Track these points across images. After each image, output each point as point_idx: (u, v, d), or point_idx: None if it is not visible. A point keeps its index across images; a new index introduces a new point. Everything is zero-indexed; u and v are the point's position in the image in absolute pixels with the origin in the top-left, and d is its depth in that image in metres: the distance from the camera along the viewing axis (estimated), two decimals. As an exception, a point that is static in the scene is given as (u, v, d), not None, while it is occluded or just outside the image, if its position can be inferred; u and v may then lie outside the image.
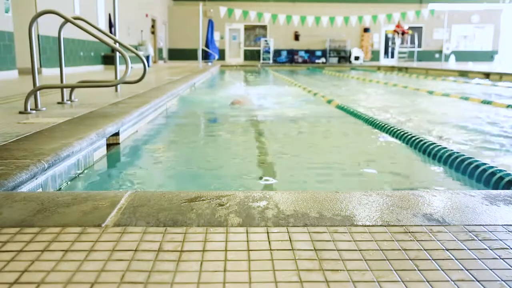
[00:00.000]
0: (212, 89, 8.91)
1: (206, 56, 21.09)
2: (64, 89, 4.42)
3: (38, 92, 3.76)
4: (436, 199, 1.52)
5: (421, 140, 3.25)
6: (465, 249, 1.12)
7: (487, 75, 12.75)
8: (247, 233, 1.22)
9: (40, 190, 2.01)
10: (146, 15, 19.51)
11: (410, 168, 3.08)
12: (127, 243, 1.14)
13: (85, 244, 1.13)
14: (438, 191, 1.63)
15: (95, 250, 1.10)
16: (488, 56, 25.83)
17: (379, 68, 20.02)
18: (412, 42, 24.83)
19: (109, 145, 3.15)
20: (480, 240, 1.18)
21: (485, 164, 2.56)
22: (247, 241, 1.16)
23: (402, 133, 3.62)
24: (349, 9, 23.85)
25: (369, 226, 1.27)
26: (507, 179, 2.30)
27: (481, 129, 4.35)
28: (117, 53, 5.75)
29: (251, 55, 25.33)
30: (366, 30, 25.36)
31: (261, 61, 24.23)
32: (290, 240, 1.17)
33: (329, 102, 6.49)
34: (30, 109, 3.63)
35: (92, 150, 2.74)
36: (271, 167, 2.91)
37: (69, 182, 2.38)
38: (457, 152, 2.86)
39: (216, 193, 1.56)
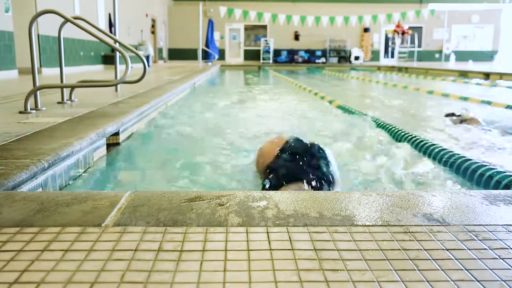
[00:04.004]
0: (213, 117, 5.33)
1: (206, 56, 21.11)
2: (64, 89, 4.42)
3: (38, 91, 3.76)
4: (436, 199, 1.51)
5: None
6: (465, 249, 1.12)
7: (487, 75, 12.76)
8: (247, 233, 1.21)
9: (40, 190, 2.01)
10: (146, 15, 19.51)
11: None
12: (127, 243, 1.14)
13: (85, 244, 1.13)
14: (438, 191, 1.63)
15: (95, 250, 1.10)
16: (488, 56, 25.83)
17: (379, 68, 20.02)
18: (412, 42, 24.83)
19: (109, 145, 3.15)
20: (480, 240, 1.18)
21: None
22: (247, 241, 1.16)
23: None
24: (349, 9, 23.85)
25: (369, 226, 1.27)
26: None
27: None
28: (117, 53, 5.75)
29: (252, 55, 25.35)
30: (366, 30, 25.36)
31: (261, 61, 24.22)
32: (290, 240, 1.16)
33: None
34: (30, 109, 3.63)
35: (92, 150, 2.74)
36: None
37: (69, 182, 2.38)
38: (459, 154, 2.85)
39: (216, 193, 1.56)
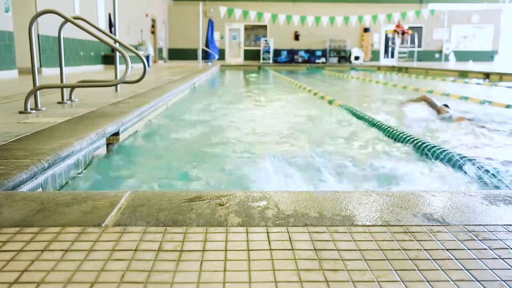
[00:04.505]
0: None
1: (206, 56, 21.11)
2: (64, 89, 4.42)
3: (38, 91, 3.76)
4: (436, 199, 1.51)
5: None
6: (465, 249, 1.12)
7: (487, 75, 12.76)
8: (247, 233, 1.22)
9: (40, 190, 2.01)
10: (146, 15, 19.51)
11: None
12: (127, 243, 1.14)
13: (85, 244, 1.13)
14: (438, 191, 1.63)
15: (95, 250, 1.10)
16: (488, 56, 25.82)
17: (379, 68, 20.01)
18: (412, 42, 24.82)
19: (109, 145, 3.15)
20: (480, 240, 1.18)
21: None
22: (247, 241, 1.16)
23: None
24: (349, 9, 23.85)
25: (369, 226, 1.27)
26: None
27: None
28: (117, 53, 5.75)
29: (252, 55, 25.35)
30: (366, 30, 25.35)
31: (261, 61, 24.22)
32: (290, 240, 1.16)
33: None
34: (30, 109, 3.63)
35: (92, 149, 2.74)
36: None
37: (69, 182, 2.38)
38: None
39: (216, 193, 1.56)
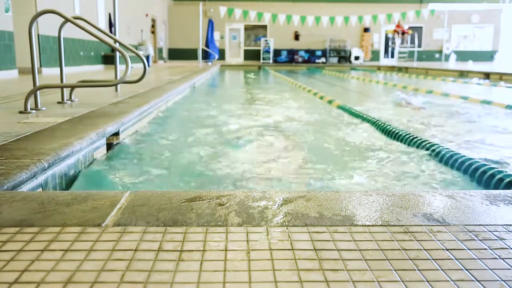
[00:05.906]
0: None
1: (206, 56, 21.12)
2: (64, 89, 4.42)
3: (38, 91, 3.76)
4: (436, 199, 1.51)
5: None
6: (465, 249, 1.12)
7: (487, 75, 12.76)
8: (247, 233, 1.22)
9: (40, 189, 2.01)
10: (146, 15, 19.51)
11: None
12: (127, 242, 1.14)
13: (85, 244, 1.13)
14: (438, 191, 1.63)
15: (95, 249, 1.10)
16: (488, 56, 25.82)
17: (379, 68, 20.02)
18: (412, 42, 24.82)
19: (109, 145, 3.15)
20: (480, 240, 1.18)
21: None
22: (247, 241, 1.16)
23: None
24: (349, 9, 23.85)
25: (369, 226, 1.27)
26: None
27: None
28: (117, 53, 5.75)
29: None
30: (366, 30, 25.35)
31: (261, 61, 24.21)
32: (290, 240, 1.16)
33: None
34: (30, 109, 3.63)
35: (92, 149, 2.74)
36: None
37: (68, 182, 2.37)
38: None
39: (216, 193, 1.56)
